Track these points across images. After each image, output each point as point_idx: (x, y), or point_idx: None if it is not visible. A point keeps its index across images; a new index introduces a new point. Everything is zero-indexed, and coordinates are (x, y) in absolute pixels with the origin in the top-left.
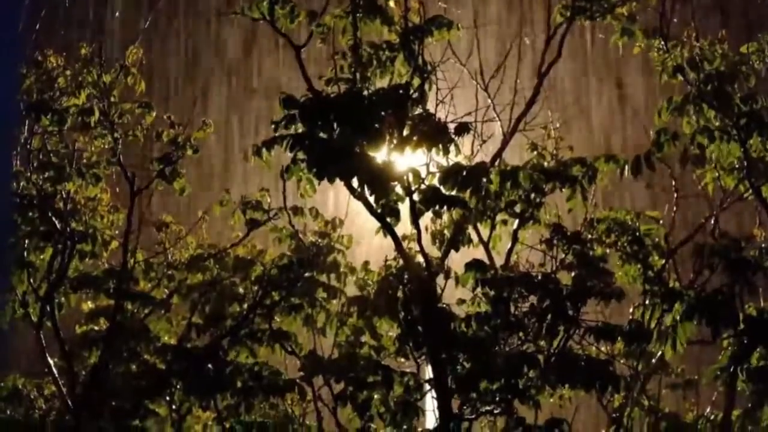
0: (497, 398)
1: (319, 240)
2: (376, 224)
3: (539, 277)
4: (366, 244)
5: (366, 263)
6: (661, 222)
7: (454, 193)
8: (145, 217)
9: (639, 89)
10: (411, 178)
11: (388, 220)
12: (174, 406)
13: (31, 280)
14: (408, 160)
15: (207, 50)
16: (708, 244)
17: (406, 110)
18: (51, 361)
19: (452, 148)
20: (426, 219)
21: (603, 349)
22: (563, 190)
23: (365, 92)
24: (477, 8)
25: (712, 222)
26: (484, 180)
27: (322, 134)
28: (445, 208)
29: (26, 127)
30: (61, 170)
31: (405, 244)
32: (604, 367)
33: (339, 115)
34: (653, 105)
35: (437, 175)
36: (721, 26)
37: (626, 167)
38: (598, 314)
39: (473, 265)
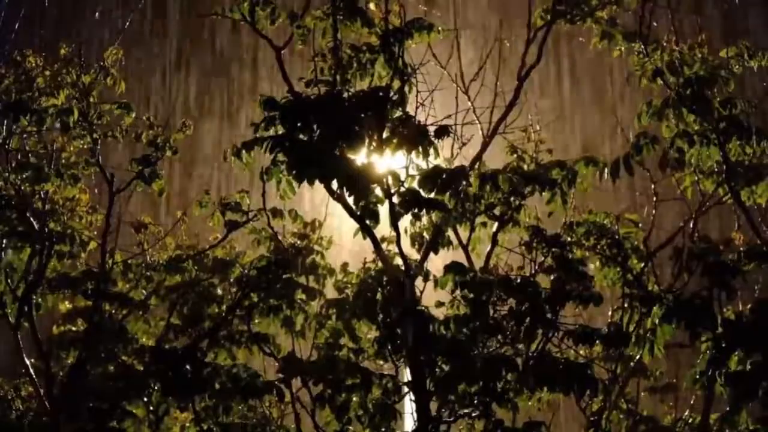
0: (475, 401)
1: (298, 242)
2: (355, 226)
3: (518, 280)
4: (345, 246)
5: (345, 265)
6: (640, 225)
7: (433, 195)
8: (124, 217)
9: (619, 93)
10: (390, 181)
11: (368, 222)
12: (152, 408)
13: (9, 281)
14: (387, 163)
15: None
16: (687, 248)
17: (386, 113)
18: (28, 362)
19: (432, 150)
20: (405, 221)
21: (581, 352)
22: (543, 193)
23: (345, 94)
24: (457, 11)
25: (691, 225)
26: (464, 183)
27: (301, 136)
28: (424, 210)
29: (4, 127)
30: (39, 170)
31: (384, 246)
32: (582, 370)
33: (319, 117)
34: (633, 109)
35: (417, 177)
36: (700, 30)
37: (606, 170)
38: (577, 317)
39: (452, 268)
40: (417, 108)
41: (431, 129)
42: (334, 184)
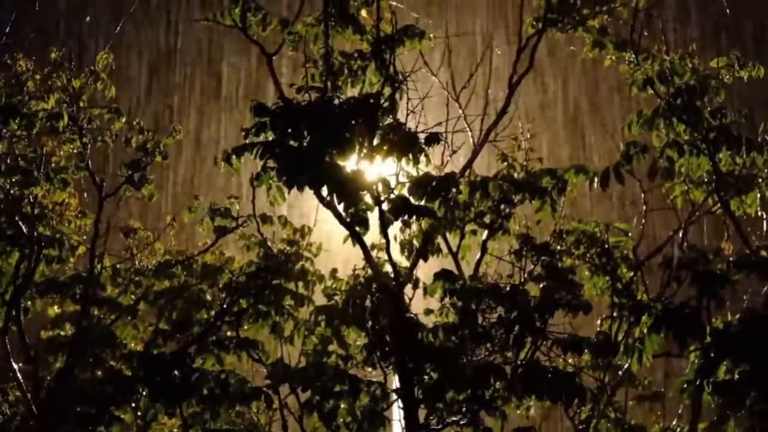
0: (464, 408)
1: (288, 248)
2: (345, 233)
3: (507, 288)
4: (334, 252)
5: (334, 271)
6: (629, 234)
7: (423, 203)
8: (114, 222)
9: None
10: (380, 188)
11: (357, 229)
12: (139, 413)
13: None
14: (378, 170)
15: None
16: (676, 257)
17: (377, 119)
18: (16, 366)
19: (422, 158)
20: (395, 228)
21: (570, 360)
22: (533, 201)
23: (336, 101)
24: (449, 19)
25: (681, 235)
26: (454, 190)
27: (292, 142)
28: (414, 217)
29: None
30: (28, 174)
31: (374, 253)
32: (570, 378)
33: (309, 123)
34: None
35: (407, 184)
36: (691, 40)
37: (596, 179)
38: (565, 326)
39: (442, 275)
40: (408, 115)
41: (422, 136)
42: (324, 191)
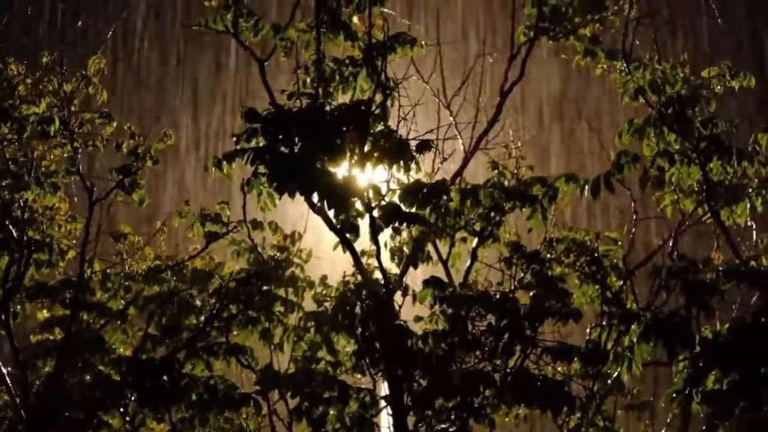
0: (453, 416)
1: (278, 254)
2: (336, 239)
3: (497, 296)
4: (325, 259)
5: (324, 278)
6: (619, 243)
7: (414, 210)
8: (103, 227)
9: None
10: (371, 195)
11: (348, 235)
12: (128, 418)
13: None
14: (369, 177)
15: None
16: (666, 266)
17: (368, 126)
18: (4, 370)
19: (413, 165)
20: (385, 235)
21: (559, 369)
22: (523, 209)
23: (327, 107)
24: (441, 27)
25: (671, 244)
26: (445, 198)
27: (283, 148)
28: (404, 225)
29: None
30: (19, 178)
31: (364, 260)
32: (559, 387)
33: (300, 129)
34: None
35: (397, 191)
36: (683, 50)
37: (586, 188)
38: (555, 334)
39: (431, 283)
40: (399, 122)
41: (413, 143)
42: (315, 197)
